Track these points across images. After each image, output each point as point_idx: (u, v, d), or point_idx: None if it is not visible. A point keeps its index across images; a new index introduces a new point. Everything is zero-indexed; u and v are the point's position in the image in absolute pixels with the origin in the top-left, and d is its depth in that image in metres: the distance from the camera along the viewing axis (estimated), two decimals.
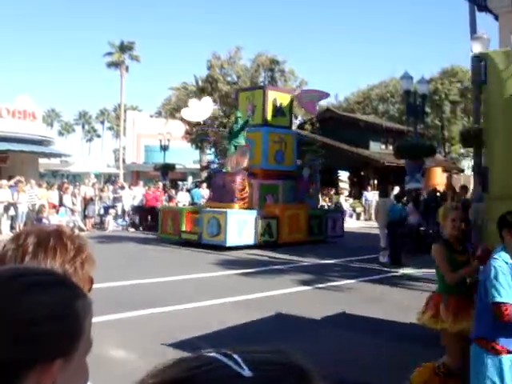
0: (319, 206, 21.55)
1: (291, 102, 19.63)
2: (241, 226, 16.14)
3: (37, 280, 0.88)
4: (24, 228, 1.45)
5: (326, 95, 20.42)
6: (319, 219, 18.67)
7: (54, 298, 0.87)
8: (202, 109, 18.92)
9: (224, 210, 16.26)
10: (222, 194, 17.06)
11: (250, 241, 16.32)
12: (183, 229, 17.56)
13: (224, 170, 17.28)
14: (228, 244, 15.79)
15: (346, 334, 7.42)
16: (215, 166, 19.93)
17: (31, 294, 0.85)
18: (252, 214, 16.61)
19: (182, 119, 27.82)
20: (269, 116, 18.57)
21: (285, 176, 18.57)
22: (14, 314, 0.83)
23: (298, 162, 19.44)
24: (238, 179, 16.74)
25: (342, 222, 20.35)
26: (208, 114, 19.45)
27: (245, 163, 16.67)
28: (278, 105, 18.83)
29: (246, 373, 0.68)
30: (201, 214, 16.96)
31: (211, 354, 0.71)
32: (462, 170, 39.78)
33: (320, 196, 23.72)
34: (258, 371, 0.68)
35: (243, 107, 18.66)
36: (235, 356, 0.70)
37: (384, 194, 16.39)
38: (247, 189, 17.05)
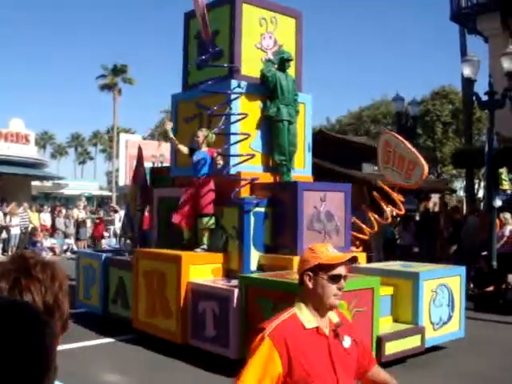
0: None
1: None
2: None
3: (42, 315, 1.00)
4: None
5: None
6: None
7: (51, 330, 0.98)
8: None
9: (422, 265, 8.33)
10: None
11: None
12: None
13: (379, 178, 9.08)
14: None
15: None
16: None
17: (48, 328, 0.97)
18: None
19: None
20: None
21: None
22: (44, 350, 0.93)
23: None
24: None
25: None
26: None
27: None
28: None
29: None
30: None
31: None
32: (455, 191, 39.88)
33: None
34: None
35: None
36: None
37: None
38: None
